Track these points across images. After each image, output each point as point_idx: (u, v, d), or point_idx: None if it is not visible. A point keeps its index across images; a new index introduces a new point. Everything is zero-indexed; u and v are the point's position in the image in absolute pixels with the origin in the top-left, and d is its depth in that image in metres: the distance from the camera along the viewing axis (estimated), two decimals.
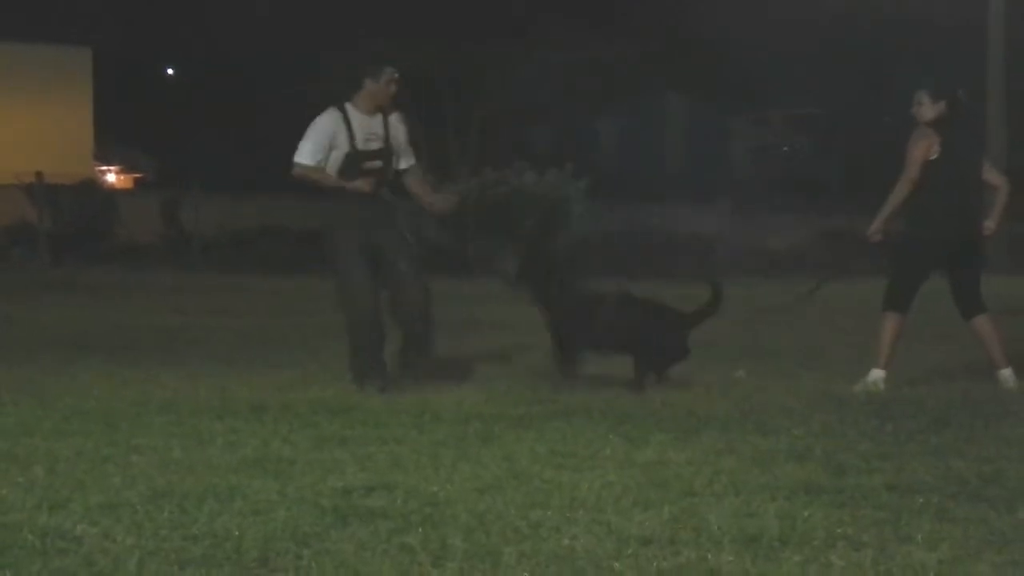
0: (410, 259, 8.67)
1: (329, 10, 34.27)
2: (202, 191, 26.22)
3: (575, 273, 9.02)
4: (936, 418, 7.33)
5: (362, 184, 8.52)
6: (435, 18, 32.99)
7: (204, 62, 41.67)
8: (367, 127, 8.56)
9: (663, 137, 42.10)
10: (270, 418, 7.29)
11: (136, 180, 40.06)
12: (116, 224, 26.74)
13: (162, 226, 27.02)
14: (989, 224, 8.84)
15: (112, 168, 39.79)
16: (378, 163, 8.60)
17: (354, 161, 8.54)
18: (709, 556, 4.72)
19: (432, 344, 8.79)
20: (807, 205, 30.05)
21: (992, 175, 9.00)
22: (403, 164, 8.81)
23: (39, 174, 25.73)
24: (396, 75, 8.61)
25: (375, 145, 8.60)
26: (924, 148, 8.62)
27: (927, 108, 8.70)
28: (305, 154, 8.54)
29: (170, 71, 47.01)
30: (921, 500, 5.51)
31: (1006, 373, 8.72)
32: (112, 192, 32.16)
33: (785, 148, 42.44)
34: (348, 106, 8.58)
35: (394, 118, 8.70)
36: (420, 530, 5.02)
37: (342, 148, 8.52)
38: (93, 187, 29.33)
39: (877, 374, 8.67)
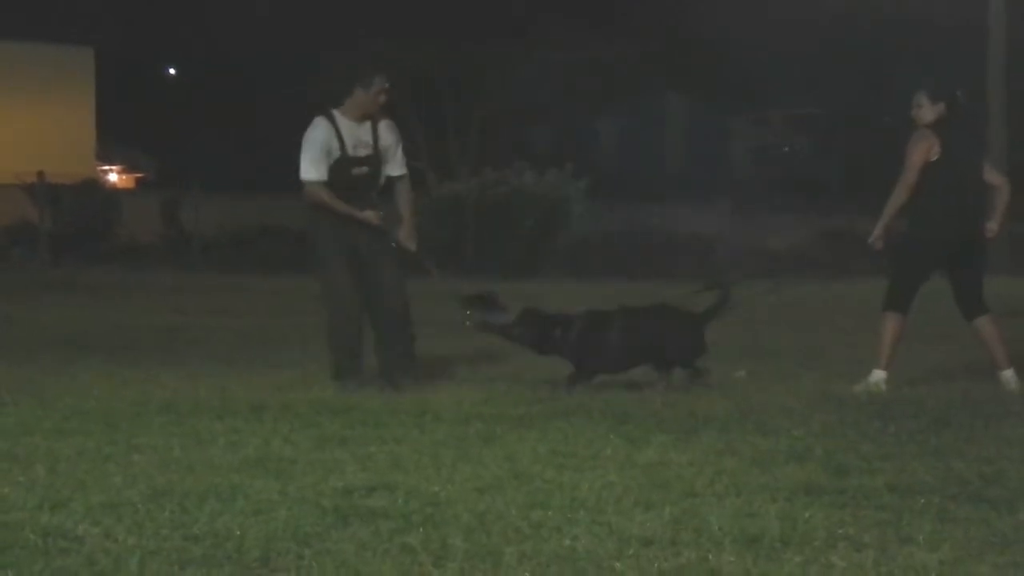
0: (393, 265, 8.71)
1: (329, 10, 34.26)
2: (202, 191, 26.23)
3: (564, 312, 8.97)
4: (937, 419, 7.33)
5: (372, 215, 8.56)
6: (435, 18, 32.98)
7: (205, 62, 41.66)
8: (355, 134, 8.60)
9: (663, 137, 42.07)
10: (270, 418, 7.29)
11: (137, 180, 40.06)
12: (117, 224, 26.74)
13: (162, 226, 27.02)
14: (991, 225, 8.83)
15: (113, 168, 39.78)
16: (365, 169, 8.63)
17: (343, 167, 8.57)
18: (710, 557, 4.72)
19: (414, 347, 8.80)
20: (807, 205, 30.05)
21: (993, 176, 9.00)
22: (395, 171, 8.83)
23: (40, 174, 25.73)
24: (386, 85, 8.64)
25: (363, 152, 8.63)
26: (924, 151, 8.61)
27: (926, 110, 8.69)
28: (310, 170, 8.56)
29: (171, 71, 47.00)
30: (922, 501, 5.51)
31: (1008, 374, 8.71)
32: (113, 192, 32.17)
33: (785, 148, 42.41)
34: (336, 113, 8.60)
35: (383, 125, 8.72)
36: (421, 530, 5.02)
37: (333, 155, 8.55)
38: (94, 187, 29.34)
39: (878, 374, 8.67)
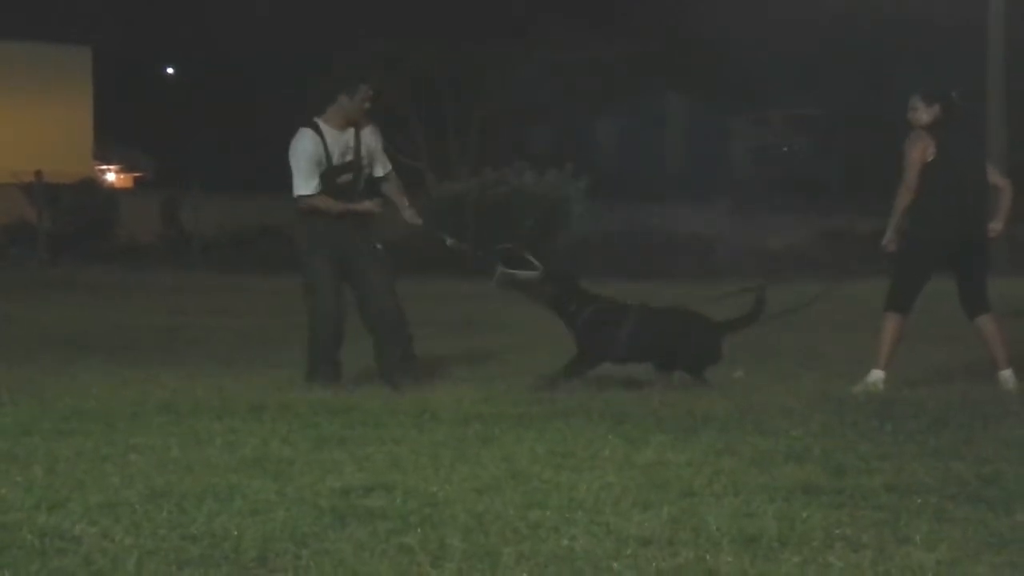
0: (380, 267, 8.73)
1: (329, 10, 34.27)
2: (202, 191, 26.22)
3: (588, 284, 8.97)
4: (935, 419, 7.32)
5: (371, 205, 8.59)
6: (435, 18, 32.99)
7: (204, 62, 41.67)
8: (340, 142, 8.63)
9: (663, 137, 42.08)
10: (269, 418, 7.28)
11: (136, 179, 40.08)
12: (116, 224, 26.74)
13: (162, 226, 27.02)
14: (995, 226, 8.83)
15: (112, 167, 39.80)
16: (349, 176, 8.65)
17: (329, 176, 8.60)
18: (708, 557, 4.72)
19: (411, 347, 8.80)
20: (807, 205, 30.06)
21: (994, 176, 9.00)
22: (380, 172, 8.86)
23: (39, 173, 25.72)
24: (371, 92, 8.65)
25: (348, 158, 8.65)
26: (920, 152, 8.62)
27: (922, 112, 8.70)
28: (304, 185, 8.58)
29: (170, 70, 47.01)
30: (920, 501, 5.51)
31: (1006, 374, 8.71)
32: (112, 191, 32.16)
33: (784, 148, 42.42)
34: (320, 122, 8.61)
35: (367, 131, 8.73)
36: (419, 530, 5.02)
37: (321, 166, 8.57)
38: (93, 186, 29.34)
39: (877, 375, 8.67)
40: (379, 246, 8.78)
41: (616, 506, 5.39)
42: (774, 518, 5.19)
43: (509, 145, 32.86)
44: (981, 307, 8.82)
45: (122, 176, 39.91)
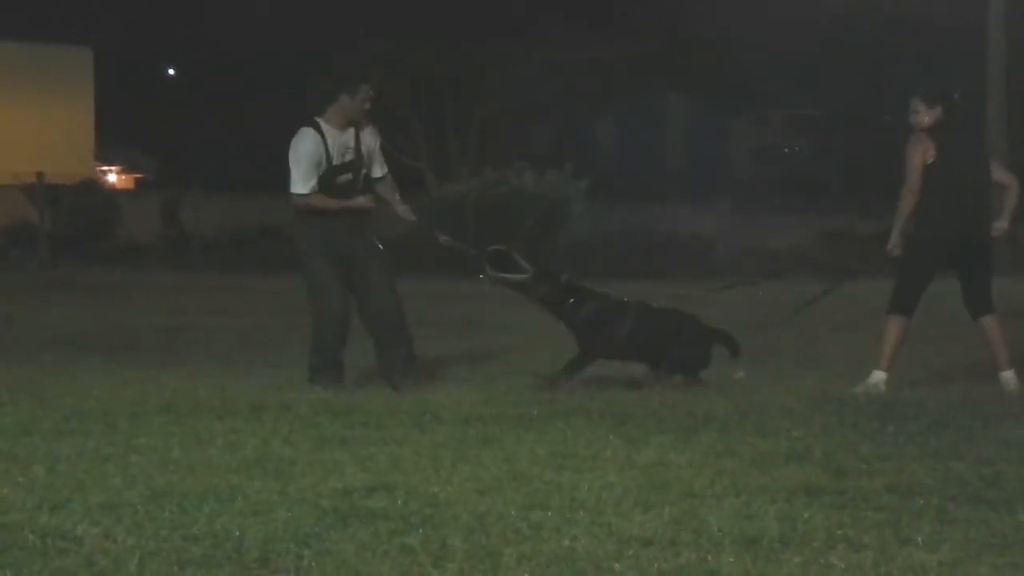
0: (380, 267, 8.72)
1: (329, 10, 34.26)
2: (202, 191, 26.22)
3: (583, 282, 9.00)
4: (937, 420, 7.33)
5: (362, 201, 8.59)
6: (435, 18, 32.98)
7: (204, 62, 41.66)
8: (340, 141, 8.64)
9: (663, 137, 42.08)
10: (270, 418, 7.28)
11: (137, 180, 40.06)
12: (116, 224, 26.74)
13: (162, 226, 27.02)
14: (1001, 224, 8.81)
15: (113, 168, 39.79)
16: (349, 176, 8.66)
17: (329, 176, 8.60)
18: (709, 558, 4.72)
19: (413, 347, 8.80)
20: (807, 205, 30.06)
21: (1001, 174, 8.99)
22: (378, 173, 8.87)
23: (39, 174, 25.73)
24: (372, 92, 8.66)
25: (348, 157, 8.65)
26: (920, 155, 8.62)
27: (923, 114, 8.70)
28: (301, 184, 8.58)
29: (171, 71, 47.01)
30: (921, 502, 5.51)
31: (1008, 375, 8.71)
32: (113, 192, 32.16)
33: (785, 149, 42.42)
34: (320, 122, 8.61)
35: (367, 131, 8.74)
36: (420, 531, 5.02)
37: (321, 166, 8.58)
38: (94, 187, 29.34)
39: (878, 375, 8.67)
40: (379, 244, 8.78)
41: (617, 507, 5.39)
42: (775, 519, 5.19)
43: (509, 145, 32.85)
44: (985, 308, 8.82)
45: (123, 177, 39.90)
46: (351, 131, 8.66)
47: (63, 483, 5.71)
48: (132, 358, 10.43)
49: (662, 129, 41.92)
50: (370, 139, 8.77)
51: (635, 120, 39.43)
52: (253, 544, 4.84)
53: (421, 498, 5.49)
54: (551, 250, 22.83)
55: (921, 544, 4.92)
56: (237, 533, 4.96)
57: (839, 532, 5.05)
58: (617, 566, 4.63)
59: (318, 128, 8.58)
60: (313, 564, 4.66)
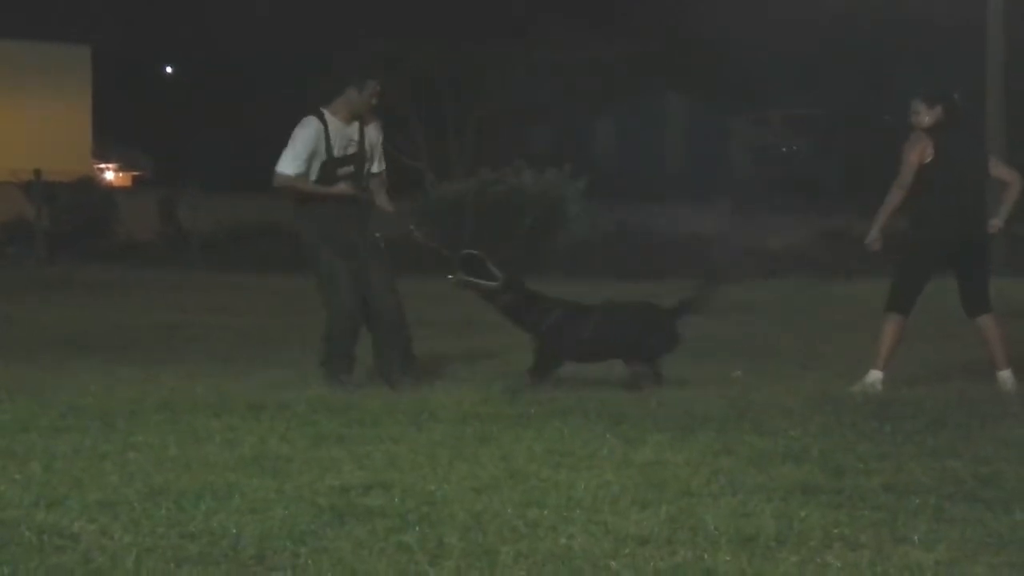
0: (382, 266, 8.74)
1: (329, 10, 34.26)
2: (200, 189, 26.18)
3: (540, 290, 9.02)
4: (934, 419, 7.33)
5: (344, 188, 8.62)
6: (435, 18, 32.98)
7: (203, 61, 41.67)
8: (344, 135, 8.67)
9: (663, 137, 42.08)
10: (267, 416, 7.28)
11: (134, 178, 40.06)
12: (114, 222, 26.70)
13: (159, 224, 26.98)
14: (996, 221, 8.80)
15: (110, 166, 39.79)
16: (351, 168, 8.69)
17: (330, 167, 8.64)
18: (706, 556, 4.72)
19: (411, 346, 8.81)
20: (807, 205, 30.04)
21: (1002, 170, 8.98)
22: (376, 168, 8.91)
23: (37, 171, 25.70)
24: (379, 88, 8.70)
25: (351, 151, 8.67)
26: (918, 152, 8.63)
27: (924, 115, 8.71)
28: (288, 164, 8.63)
29: (169, 69, 47.01)
30: (918, 501, 5.51)
31: (1005, 375, 8.72)
32: (110, 190, 32.12)
33: (783, 148, 42.42)
34: (326, 113, 8.65)
35: (371, 127, 8.78)
36: (417, 529, 5.02)
37: (320, 156, 8.61)
38: (91, 185, 29.28)
39: (875, 375, 8.67)
40: (379, 237, 8.80)
41: (614, 505, 5.39)
42: (772, 518, 5.20)
43: (508, 145, 32.85)
44: (982, 307, 8.82)
45: (121, 175, 39.90)
46: (355, 125, 8.72)
47: (60, 480, 5.71)
48: (130, 356, 10.42)
49: (662, 129, 41.93)
50: (373, 134, 8.82)
51: (635, 120, 39.45)
52: (250, 541, 4.85)
53: (418, 496, 5.49)
54: (550, 249, 22.83)
55: (918, 543, 4.92)
56: (234, 531, 4.96)
57: (836, 531, 5.05)
58: (613, 564, 4.63)
59: (322, 118, 8.62)
60: (309, 562, 4.66)
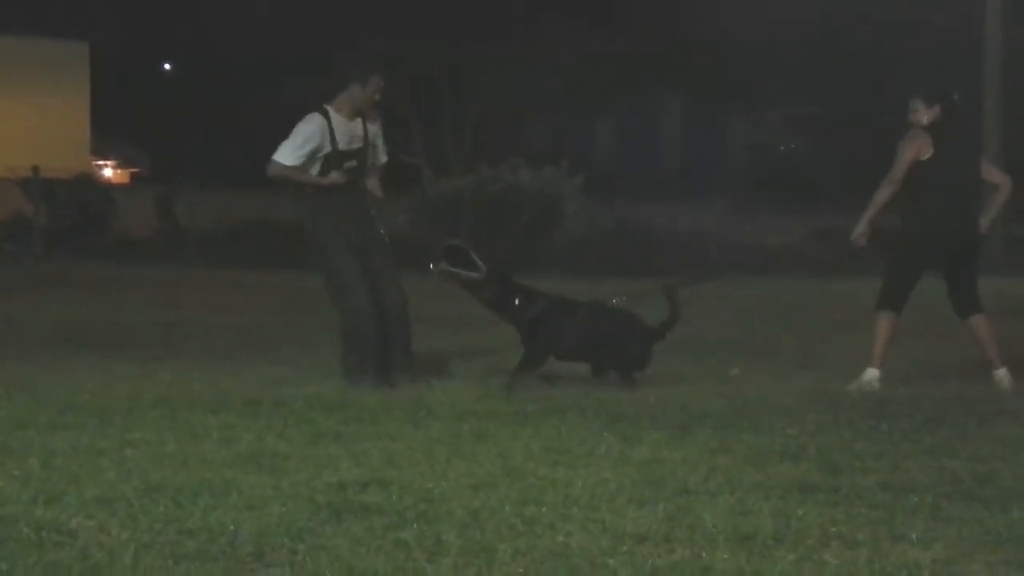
0: (384, 261, 8.75)
1: (329, 10, 34.25)
2: (197, 186, 26.18)
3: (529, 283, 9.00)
4: (931, 417, 7.33)
5: (337, 177, 8.63)
6: (435, 18, 32.98)
7: (201, 58, 41.67)
8: (347, 130, 8.73)
9: (662, 136, 42.11)
10: (265, 413, 7.28)
11: (132, 175, 40.07)
12: (112, 219, 26.70)
13: (157, 221, 26.98)
14: (982, 222, 8.83)
15: (108, 163, 39.78)
16: (354, 162, 8.73)
17: (333, 161, 8.67)
18: (703, 554, 4.72)
19: (410, 343, 8.81)
20: (806, 204, 30.05)
21: (993, 173, 9.01)
22: (379, 161, 8.97)
23: (35, 168, 25.69)
24: (382, 84, 8.73)
25: (355, 145, 8.71)
26: (915, 149, 8.64)
27: (923, 114, 8.72)
28: (286, 155, 8.67)
29: (167, 67, 47.00)
30: (915, 499, 5.51)
31: (1001, 373, 8.73)
32: (108, 187, 32.12)
33: (782, 147, 42.45)
34: (330, 110, 8.69)
35: (374, 123, 8.80)
36: (415, 526, 5.02)
37: (323, 151, 8.64)
38: (89, 181, 29.28)
39: (872, 373, 8.68)
40: (386, 239, 8.83)
41: (612, 503, 5.39)
42: (770, 516, 5.20)
43: (507, 143, 32.87)
44: (974, 307, 8.84)
45: (119, 171, 39.89)
46: (359, 120, 8.78)
47: (58, 477, 5.71)
48: (127, 353, 10.42)
49: (661, 128, 41.96)
50: (375, 128, 8.87)
51: (634, 119, 39.47)
52: (247, 538, 4.84)
53: (415, 493, 5.49)
54: (548, 247, 22.84)
55: (915, 541, 4.92)
56: (231, 527, 4.96)
57: (833, 529, 5.05)
58: (611, 562, 4.63)
59: (326, 115, 8.67)
60: (307, 558, 4.66)
